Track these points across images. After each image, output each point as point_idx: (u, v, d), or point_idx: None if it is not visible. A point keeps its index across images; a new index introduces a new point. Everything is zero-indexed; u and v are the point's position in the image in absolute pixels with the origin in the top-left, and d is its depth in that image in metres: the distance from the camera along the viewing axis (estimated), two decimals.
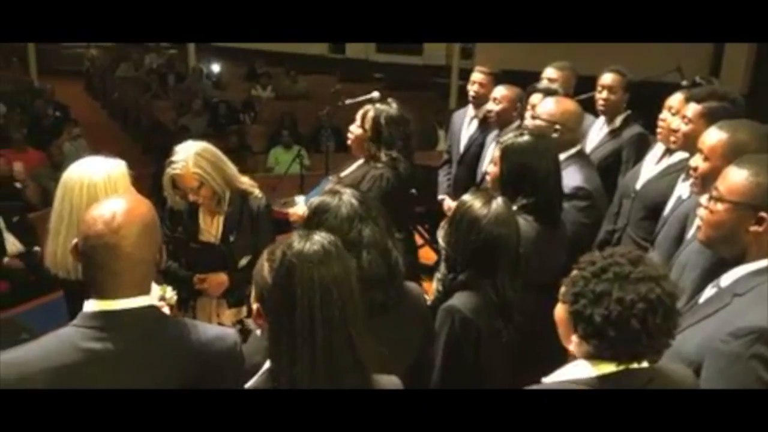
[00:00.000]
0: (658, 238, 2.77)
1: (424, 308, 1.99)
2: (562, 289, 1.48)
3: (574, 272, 1.45)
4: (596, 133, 3.82)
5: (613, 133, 3.70)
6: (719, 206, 1.71)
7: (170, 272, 2.80)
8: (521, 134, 2.49)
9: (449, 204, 4.02)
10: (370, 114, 3.12)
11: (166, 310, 2.43)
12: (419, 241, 4.98)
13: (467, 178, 4.14)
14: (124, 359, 1.41)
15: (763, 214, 1.63)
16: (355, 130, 3.17)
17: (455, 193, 3.95)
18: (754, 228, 1.65)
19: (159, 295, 2.46)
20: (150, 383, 1.43)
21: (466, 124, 4.30)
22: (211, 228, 2.89)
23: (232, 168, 2.89)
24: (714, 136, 2.11)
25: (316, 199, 1.85)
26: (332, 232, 1.77)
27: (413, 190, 5.26)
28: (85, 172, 2.19)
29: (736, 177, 1.69)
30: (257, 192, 2.94)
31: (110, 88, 12.12)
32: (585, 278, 1.41)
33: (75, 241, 1.47)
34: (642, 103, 3.74)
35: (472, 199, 2.11)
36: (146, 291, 1.49)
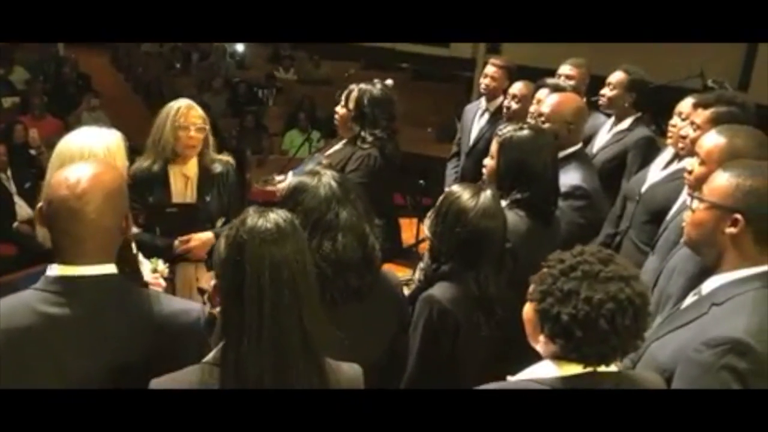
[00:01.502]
0: (658, 243, 2.72)
1: (400, 296, 1.97)
2: (531, 287, 1.44)
3: (543, 270, 1.42)
4: (604, 133, 3.76)
5: (621, 135, 3.63)
6: (700, 206, 1.68)
7: (146, 244, 2.72)
8: (520, 128, 2.45)
9: None
10: (354, 94, 3.16)
11: (162, 281, 2.45)
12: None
13: (475, 171, 4.07)
14: (80, 325, 1.41)
15: (737, 216, 1.59)
16: (339, 109, 3.19)
17: None
18: (729, 230, 1.62)
19: (151, 268, 2.48)
20: (106, 352, 1.43)
21: (477, 117, 4.25)
22: (186, 190, 2.89)
23: None
24: (711, 141, 2.07)
25: (295, 179, 1.83)
26: (309, 213, 1.77)
27: (421, 181, 5.28)
28: (84, 142, 2.16)
29: (719, 178, 1.66)
30: (226, 157, 3.02)
31: (135, 62, 12.18)
32: (553, 276, 1.38)
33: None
34: (662, 108, 3.68)
35: (460, 191, 2.08)
36: (110, 259, 1.48)
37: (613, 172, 3.59)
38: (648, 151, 3.46)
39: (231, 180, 2.97)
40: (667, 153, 3.10)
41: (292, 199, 1.79)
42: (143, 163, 2.86)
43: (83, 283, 1.43)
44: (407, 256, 4.61)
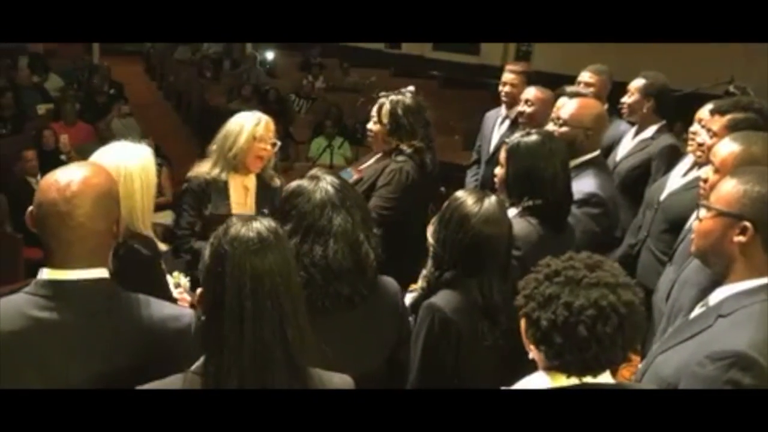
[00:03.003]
0: (676, 253, 2.65)
1: (399, 305, 1.92)
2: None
3: (529, 275, 1.38)
4: (628, 141, 3.69)
5: (644, 143, 3.56)
6: (708, 214, 1.62)
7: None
8: (528, 134, 2.40)
9: None
10: (386, 107, 3.06)
11: (186, 296, 2.45)
12: None
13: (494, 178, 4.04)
14: (69, 330, 1.40)
15: (746, 223, 1.53)
16: (373, 126, 3.12)
17: None
18: (738, 238, 1.56)
19: (174, 283, 2.48)
20: (95, 356, 1.42)
21: (497, 125, 4.19)
22: (245, 201, 2.88)
23: None
24: (726, 149, 2.01)
25: (294, 182, 1.81)
26: (303, 217, 1.74)
27: (443, 188, 5.23)
28: (120, 159, 2.12)
29: (727, 185, 1.61)
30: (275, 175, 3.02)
31: (167, 70, 12.38)
32: (537, 281, 1.35)
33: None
34: (688, 115, 3.60)
35: (464, 196, 2.04)
36: (101, 263, 1.47)
37: (637, 180, 3.53)
38: (672, 160, 3.39)
39: (278, 198, 2.94)
40: (688, 160, 3.03)
41: (289, 202, 1.77)
42: (204, 168, 2.86)
43: (73, 287, 1.42)
44: None
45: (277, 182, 2.96)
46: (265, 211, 2.83)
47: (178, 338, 1.51)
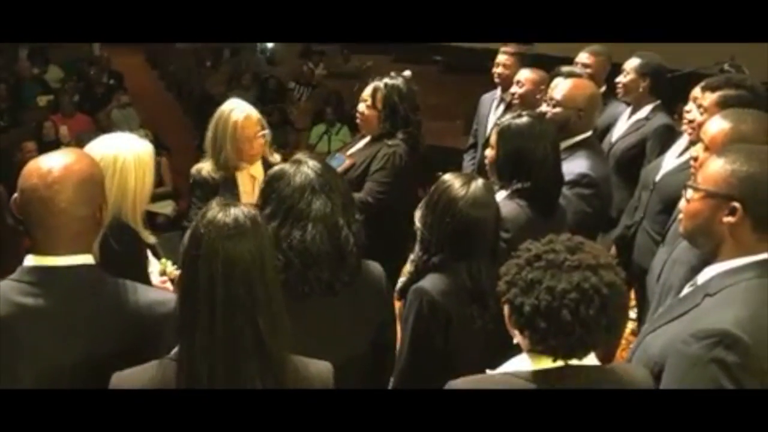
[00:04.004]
0: (668, 234, 2.64)
1: (383, 289, 1.91)
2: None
3: (510, 260, 1.37)
4: (623, 122, 3.67)
5: (640, 123, 3.54)
6: (695, 195, 1.60)
7: None
8: (519, 116, 2.39)
9: None
10: (382, 92, 3.06)
11: (169, 284, 2.45)
12: None
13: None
14: (54, 315, 1.41)
15: (735, 204, 1.52)
16: (365, 109, 3.11)
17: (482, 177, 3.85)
18: (727, 219, 1.54)
19: (160, 270, 2.47)
20: (80, 342, 1.43)
21: (493, 107, 4.17)
22: (253, 190, 2.83)
23: None
24: (716, 126, 1.99)
25: (277, 167, 1.81)
26: (283, 200, 1.74)
27: (440, 173, 5.22)
28: (119, 147, 2.11)
29: (713, 165, 1.58)
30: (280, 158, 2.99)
31: (168, 60, 12.35)
32: (518, 266, 1.34)
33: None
34: (684, 95, 3.57)
35: (451, 180, 2.03)
36: (85, 249, 1.48)
37: (633, 160, 3.52)
38: (667, 139, 3.37)
39: None
40: (683, 140, 3.00)
41: (269, 185, 1.77)
42: (207, 165, 2.86)
43: (57, 273, 1.43)
44: None
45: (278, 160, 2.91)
46: None
47: (165, 322, 1.51)
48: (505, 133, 2.37)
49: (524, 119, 2.37)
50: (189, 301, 1.28)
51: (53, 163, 1.43)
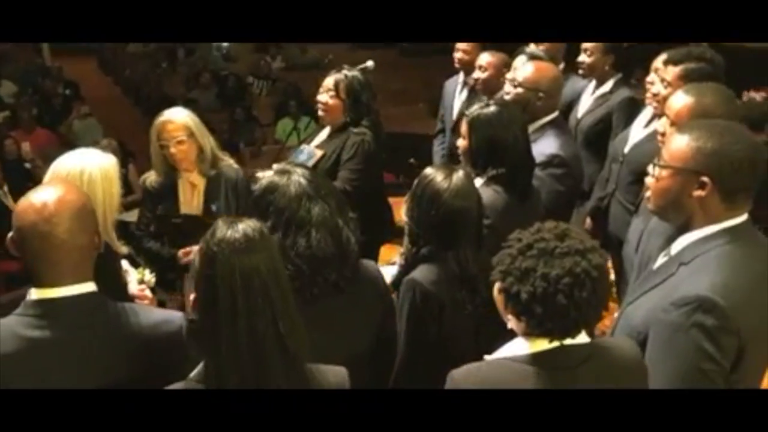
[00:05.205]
0: (642, 204, 2.73)
1: (381, 284, 1.98)
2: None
3: (503, 250, 1.44)
4: (587, 97, 3.75)
5: (603, 98, 3.63)
6: (663, 173, 1.68)
7: (152, 253, 2.81)
8: (487, 105, 2.46)
9: None
10: (345, 82, 3.16)
11: (148, 292, 2.48)
12: None
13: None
14: (64, 346, 1.44)
15: (704, 178, 1.60)
16: (330, 100, 3.17)
17: (451, 162, 3.91)
18: (697, 193, 1.62)
19: (138, 279, 2.50)
20: (92, 370, 1.46)
21: (457, 92, 4.23)
22: (192, 200, 2.88)
23: (213, 140, 2.94)
24: (680, 101, 2.08)
25: (265, 180, 1.85)
26: (281, 212, 1.78)
27: (412, 160, 5.28)
28: (85, 163, 2.14)
29: (678, 142, 1.66)
30: (232, 162, 3.01)
31: (122, 64, 12.16)
32: (512, 256, 1.41)
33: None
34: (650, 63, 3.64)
35: (433, 173, 2.09)
36: (86, 278, 1.50)
37: (600, 135, 3.60)
38: (631, 112, 3.46)
39: (241, 186, 2.90)
40: (648, 111, 3.09)
41: (264, 199, 1.81)
42: (152, 174, 2.88)
43: (62, 304, 1.46)
44: (402, 235, 4.64)
45: (225, 173, 2.91)
46: (214, 207, 2.85)
47: (172, 341, 1.56)
48: (475, 123, 2.44)
49: (492, 108, 2.44)
50: (209, 319, 1.32)
51: (46, 197, 1.46)
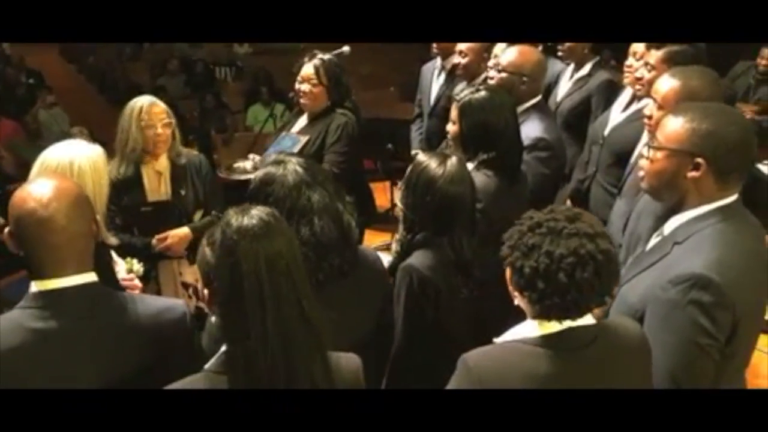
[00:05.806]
0: (624, 186, 2.78)
1: (381, 268, 2.01)
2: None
3: (513, 227, 1.47)
4: (566, 81, 3.80)
5: (582, 81, 3.68)
6: (658, 155, 1.72)
7: (125, 245, 2.73)
8: (477, 90, 2.48)
9: None
10: (324, 67, 3.19)
11: (137, 282, 2.46)
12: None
13: (439, 130, 4.08)
14: (70, 337, 1.43)
15: (699, 159, 1.65)
16: (312, 89, 3.18)
17: (429, 147, 3.93)
18: (692, 174, 1.67)
19: (126, 269, 2.49)
20: (99, 360, 1.45)
21: (435, 76, 4.23)
22: (159, 187, 2.88)
23: None
24: (666, 84, 2.12)
25: (260, 171, 1.85)
26: (281, 202, 1.79)
27: (390, 145, 5.28)
28: (74, 155, 2.13)
29: (673, 125, 1.70)
30: (194, 151, 3.07)
31: (85, 51, 11.90)
32: (521, 232, 1.44)
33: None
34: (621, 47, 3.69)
35: (427, 160, 2.11)
36: (87, 268, 1.49)
37: (580, 118, 3.66)
38: (610, 94, 3.52)
39: (204, 171, 2.96)
40: (627, 94, 3.15)
41: (262, 191, 1.81)
42: (115, 166, 2.82)
43: (66, 294, 1.44)
44: (383, 220, 4.67)
45: (190, 159, 2.94)
46: (182, 191, 2.87)
47: (176, 328, 1.56)
48: (466, 108, 2.46)
49: (482, 93, 2.46)
50: (234, 308, 1.31)
51: (43, 186, 1.45)
